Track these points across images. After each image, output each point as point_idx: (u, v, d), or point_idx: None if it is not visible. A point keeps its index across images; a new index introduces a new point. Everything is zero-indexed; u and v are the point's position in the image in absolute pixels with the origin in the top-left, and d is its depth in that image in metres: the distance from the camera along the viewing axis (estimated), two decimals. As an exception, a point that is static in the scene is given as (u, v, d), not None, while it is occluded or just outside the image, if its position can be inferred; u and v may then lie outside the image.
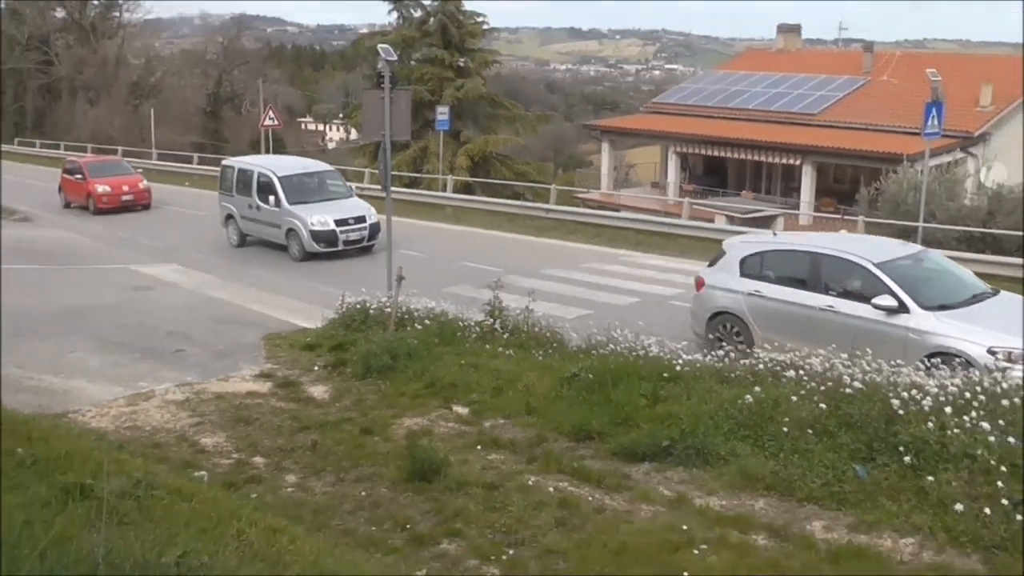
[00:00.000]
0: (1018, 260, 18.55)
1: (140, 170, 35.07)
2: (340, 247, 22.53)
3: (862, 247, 13.77)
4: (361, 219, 23.04)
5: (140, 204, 32.02)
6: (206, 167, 44.10)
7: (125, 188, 31.82)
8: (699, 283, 14.46)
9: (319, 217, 22.49)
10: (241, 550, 5.41)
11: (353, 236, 22.76)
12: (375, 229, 22.92)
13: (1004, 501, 7.42)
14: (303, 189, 23.54)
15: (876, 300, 12.07)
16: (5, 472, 6.07)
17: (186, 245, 25.12)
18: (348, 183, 26.55)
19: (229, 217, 24.78)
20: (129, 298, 18.64)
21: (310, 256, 22.39)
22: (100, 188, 31.41)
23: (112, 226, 29.06)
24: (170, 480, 7.27)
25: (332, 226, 22.44)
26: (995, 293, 13.14)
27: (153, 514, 5.97)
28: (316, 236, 22.29)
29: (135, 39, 71.80)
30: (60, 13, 69.84)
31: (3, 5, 69.17)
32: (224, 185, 25.19)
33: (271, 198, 22.83)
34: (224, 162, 26.77)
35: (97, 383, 12.98)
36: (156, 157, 48.23)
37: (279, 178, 23.17)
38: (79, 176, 32.33)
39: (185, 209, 32.03)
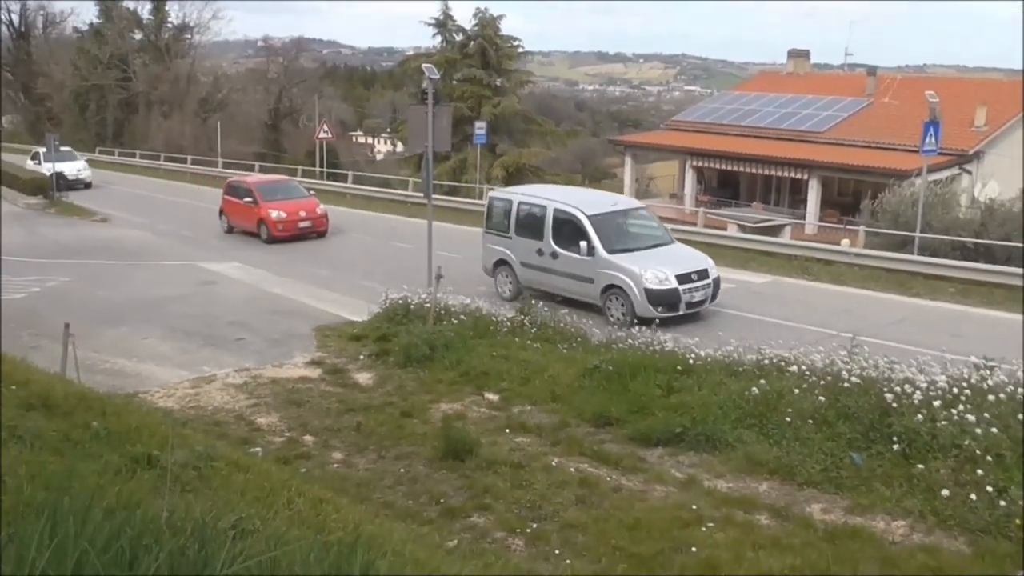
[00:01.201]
0: (1017, 270, 18.31)
1: (312, 192, 28.35)
2: (682, 310, 15.63)
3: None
4: (704, 274, 16.12)
5: (317, 231, 25.78)
6: (266, 175, 44.34)
7: (302, 214, 25.55)
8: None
9: (656, 272, 15.58)
10: (290, 517, 5.44)
11: (697, 296, 15.86)
12: (717, 286, 16.38)
13: (989, 488, 7.36)
14: (621, 233, 16.89)
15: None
16: (80, 443, 6.17)
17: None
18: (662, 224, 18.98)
19: (500, 263, 17.84)
20: (196, 291, 18.82)
21: (642, 320, 14.78)
22: (275, 214, 25.24)
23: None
24: (228, 453, 7.33)
25: (673, 283, 15.56)
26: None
27: (212, 483, 6.02)
28: (653, 296, 15.40)
29: (205, 59, 72.44)
30: (138, 35, 70.52)
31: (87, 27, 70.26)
32: (493, 223, 18.20)
33: (581, 244, 16.11)
34: (493, 194, 19.90)
35: (165, 367, 13.13)
36: (221, 165, 48.54)
37: (589, 217, 16.38)
38: (249, 200, 26.10)
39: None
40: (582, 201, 17.37)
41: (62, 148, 41.69)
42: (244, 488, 6.03)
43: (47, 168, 38.13)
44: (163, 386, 12.03)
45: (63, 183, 37.75)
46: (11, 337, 12.95)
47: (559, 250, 16.54)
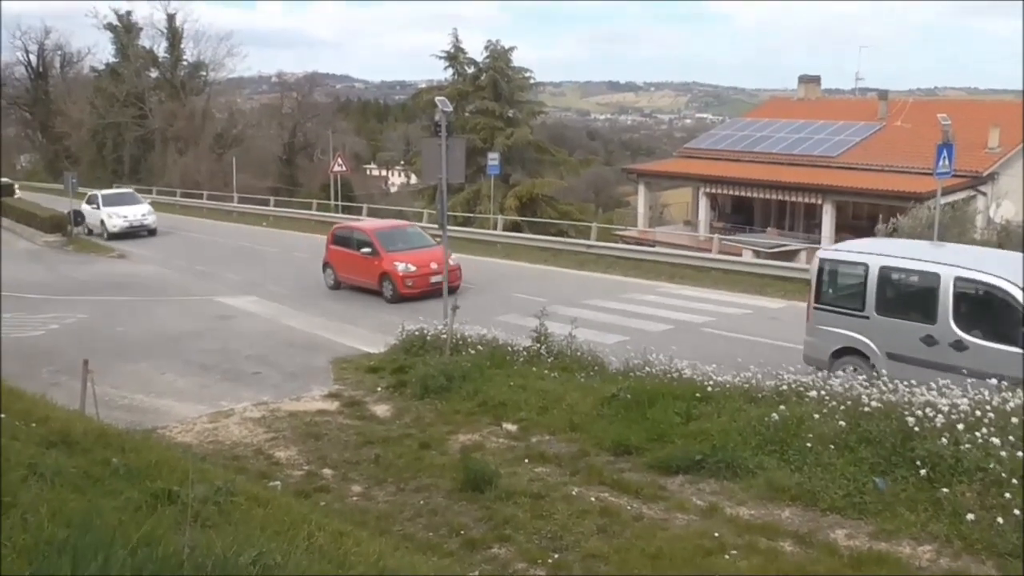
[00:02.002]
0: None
1: (439, 239, 20.94)
2: None
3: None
4: None
5: (451, 287, 18.93)
6: (281, 209, 44.72)
7: (433, 266, 20.39)
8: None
9: None
10: (311, 551, 5.41)
11: None
12: None
13: (1016, 511, 7.25)
14: None
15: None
16: (101, 479, 6.16)
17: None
18: None
19: (846, 353, 12.66)
20: (213, 326, 18.88)
21: None
22: (401, 267, 21.03)
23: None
24: (248, 488, 7.31)
25: None
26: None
27: (232, 518, 5.99)
28: None
29: (219, 95, 73.18)
30: (154, 73, 71.44)
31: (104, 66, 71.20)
32: (832, 293, 13.37)
33: (1016, 332, 10.85)
34: (827, 254, 14.14)
35: (183, 402, 13.14)
36: (237, 200, 48.88)
37: None
38: (368, 251, 22.07)
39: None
40: (1002, 265, 11.99)
41: (123, 189, 40.20)
42: (264, 523, 6.00)
43: (111, 216, 35.70)
44: (181, 421, 12.03)
45: (130, 229, 35.57)
46: (31, 374, 13.04)
47: (967, 338, 11.38)
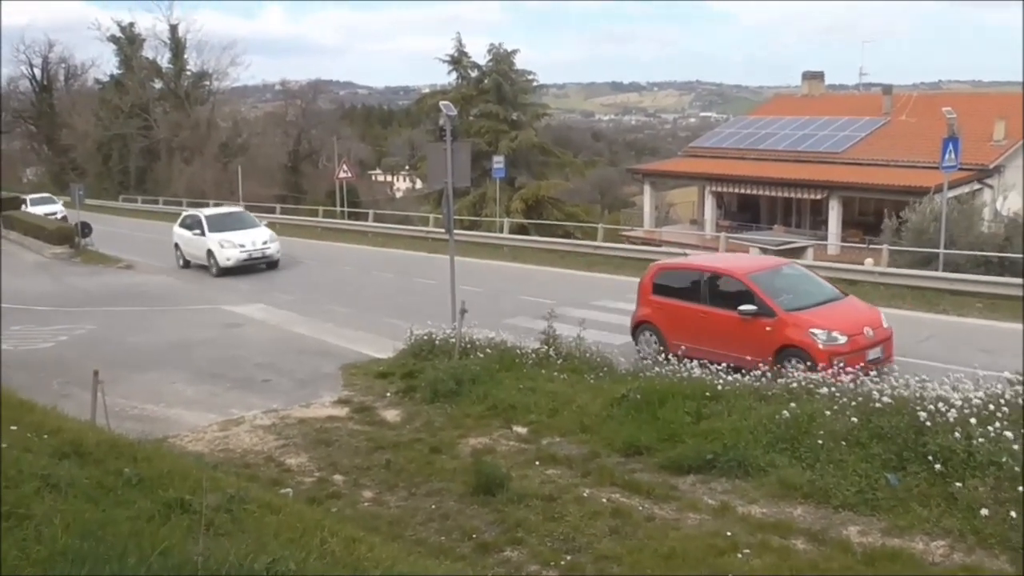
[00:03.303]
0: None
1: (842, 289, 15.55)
2: None
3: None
4: None
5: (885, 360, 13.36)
6: (287, 217, 44.81)
7: (868, 332, 13.37)
8: None
9: None
10: (324, 557, 5.42)
11: None
12: None
13: (1029, 505, 7.23)
14: None
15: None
16: (113, 489, 6.17)
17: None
18: None
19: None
20: (221, 335, 18.91)
21: None
22: (822, 336, 12.96)
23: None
24: (260, 495, 7.32)
25: None
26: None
27: (245, 526, 6.00)
28: None
29: (224, 105, 73.37)
30: (158, 84, 71.68)
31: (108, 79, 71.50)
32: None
33: None
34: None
35: (194, 410, 13.16)
36: (244, 209, 48.96)
37: None
38: (750, 308, 13.56)
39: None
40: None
41: (232, 208, 32.94)
42: (277, 530, 6.01)
43: (223, 245, 26.97)
44: (192, 430, 12.05)
45: (250, 262, 27.26)
46: (41, 386, 13.06)
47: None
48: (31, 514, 4.95)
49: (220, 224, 28.25)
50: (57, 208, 46.85)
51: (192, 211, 32.15)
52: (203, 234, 27.77)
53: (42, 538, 4.51)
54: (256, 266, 27.53)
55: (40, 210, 44.98)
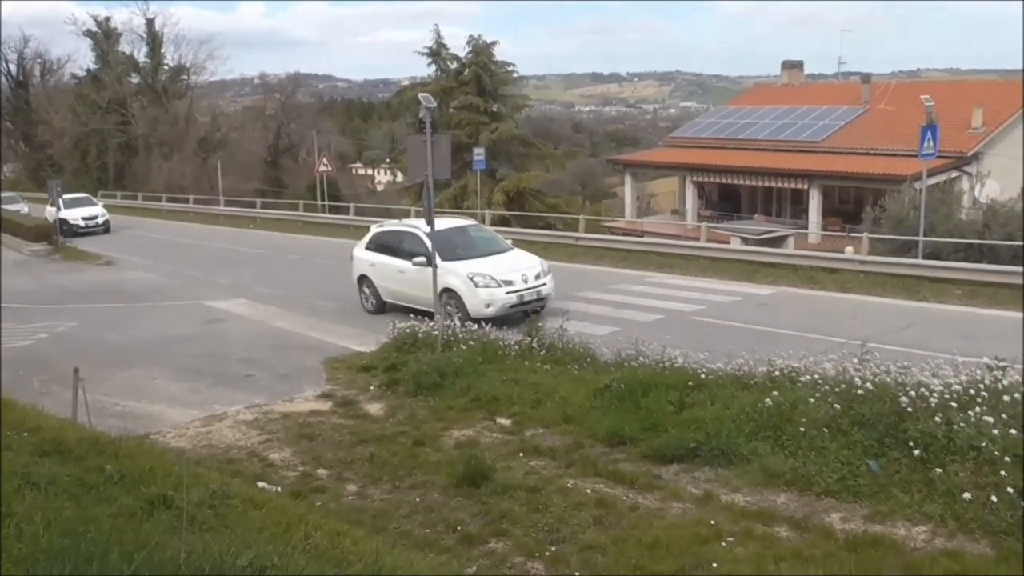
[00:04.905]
0: (1017, 268, 18.31)
1: None
2: None
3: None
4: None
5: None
6: (267, 211, 44.64)
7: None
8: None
9: None
10: (308, 552, 5.41)
11: None
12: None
13: (1009, 489, 7.30)
14: None
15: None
16: (95, 486, 6.15)
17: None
18: None
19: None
20: (203, 330, 18.81)
21: None
22: (478, 279, 16.06)
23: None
24: (243, 491, 7.30)
25: None
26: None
27: (228, 521, 5.99)
28: None
29: (202, 99, 73.05)
30: (135, 79, 71.19)
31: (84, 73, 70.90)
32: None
33: None
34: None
35: (176, 407, 13.10)
36: (223, 204, 48.76)
37: None
38: None
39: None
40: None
41: (463, 222, 19.34)
42: (261, 525, 6.00)
43: (474, 280, 16.52)
44: (175, 426, 12.00)
45: (520, 307, 16.26)
46: (21, 384, 12.96)
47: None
48: (12, 512, 4.92)
49: (454, 245, 17.71)
50: (97, 211, 41.88)
51: (394, 224, 20.49)
52: (428, 263, 16.04)
53: (23, 536, 4.49)
54: (523, 311, 17.07)
55: (78, 213, 40.54)
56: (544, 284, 17.47)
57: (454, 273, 16.93)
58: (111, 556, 3.74)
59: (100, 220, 41.04)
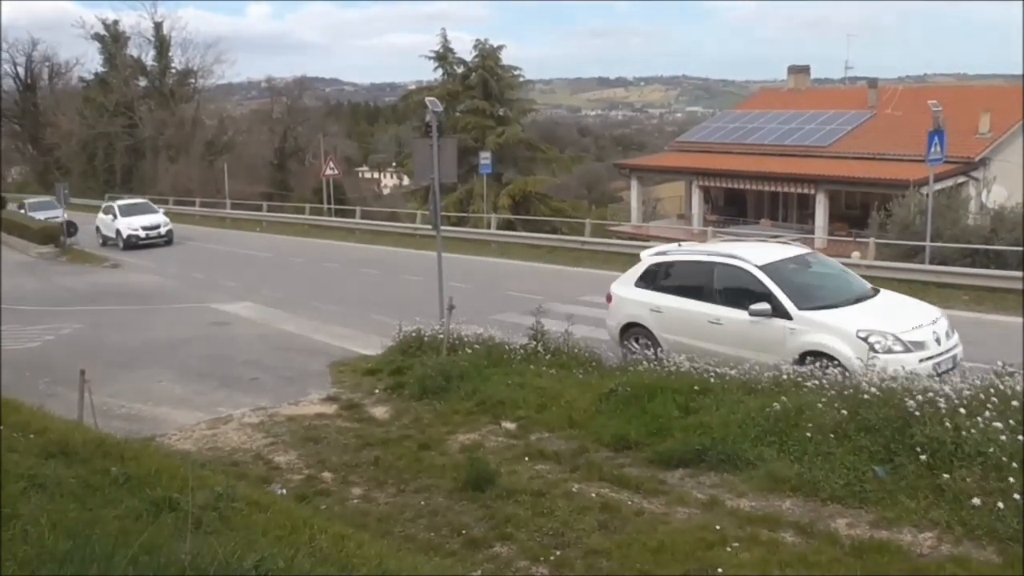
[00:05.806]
0: (1019, 274, 18.28)
1: None
2: None
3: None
4: None
5: None
6: (274, 214, 44.71)
7: None
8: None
9: None
10: (313, 555, 5.41)
11: None
12: None
13: (1016, 496, 7.24)
14: None
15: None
16: (100, 488, 6.15)
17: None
18: None
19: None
20: (209, 332, 18.84)
21: None
22: None
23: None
24: (249, 493, 7.30)
25: None
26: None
27: (233, 524, 5.99)
28: None
29: (209, 102, 73.22)
30: (143, 82, 71.38)
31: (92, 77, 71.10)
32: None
33: None
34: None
35: (181, 409, 13.11)
36: (230, 207, 48.84)
37: None
38: None
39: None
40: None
41: (799, 251, 13.42)
42: (266, 527, 6.00)
43: None
44: (180, 428, 12.00)
45: None
46: (27, 386, 13.01)
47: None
48: (18, 514, 4.93)
49: (798, 285, 12.34)
50: (159, 219, 37.63)
51: (691, 252, 14.13)
52: (776, 313, 11.78)
53: (29, 538, 4.49)
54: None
55: (137, 222, 36.68)
56: (957, 345, 11.89)
57: (828, 329, 11.46)
58: (116, 558, 3.74)
59: (163, 230, 36.99)
